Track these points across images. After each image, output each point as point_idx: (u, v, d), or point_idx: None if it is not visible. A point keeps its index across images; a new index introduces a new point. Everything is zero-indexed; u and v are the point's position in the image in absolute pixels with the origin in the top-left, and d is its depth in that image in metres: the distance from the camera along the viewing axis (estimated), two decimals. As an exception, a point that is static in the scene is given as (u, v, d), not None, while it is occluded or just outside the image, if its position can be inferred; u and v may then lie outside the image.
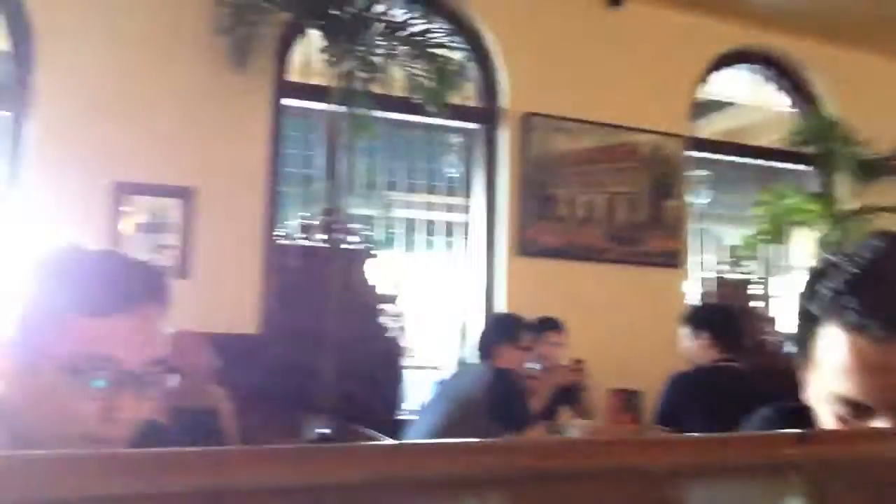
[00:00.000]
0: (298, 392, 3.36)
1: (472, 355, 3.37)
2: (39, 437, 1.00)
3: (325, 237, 3.79)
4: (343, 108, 3.63)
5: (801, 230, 4.78)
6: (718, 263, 4.88)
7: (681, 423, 2.70)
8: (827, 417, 0.86)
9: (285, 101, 3.92)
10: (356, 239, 3.92)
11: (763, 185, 4.93)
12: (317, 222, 3.87)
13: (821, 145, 4.80)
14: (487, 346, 3.13)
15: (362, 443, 0.43)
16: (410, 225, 4.36)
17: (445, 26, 4.12)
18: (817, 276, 0.85)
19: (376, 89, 3.70)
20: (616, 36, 4.51)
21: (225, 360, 2.47)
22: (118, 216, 3.49)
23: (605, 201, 4.43)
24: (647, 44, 4.57)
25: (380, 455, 0.40)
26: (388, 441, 2.84)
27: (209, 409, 2.38)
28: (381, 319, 3.92)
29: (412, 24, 3.76)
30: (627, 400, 3.18)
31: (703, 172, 4.94)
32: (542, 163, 4.31)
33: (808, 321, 0.85)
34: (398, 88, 3.84)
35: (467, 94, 4.32)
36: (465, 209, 4.42)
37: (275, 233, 3.83)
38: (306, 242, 3.86)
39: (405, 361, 3.99)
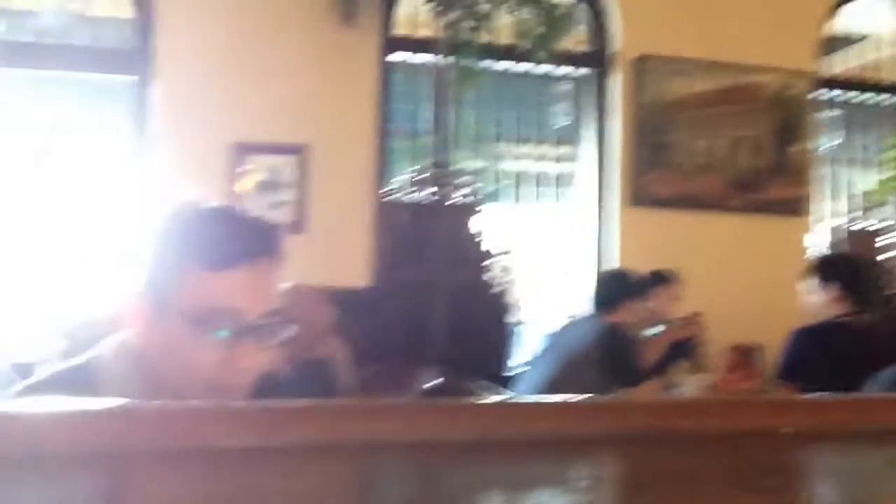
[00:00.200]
0: (410, 344, 3.42)
1: (584, 309, 3.33)
2: (169, 385, 1.05)
3: (434, 191, 3.80)
4: (450, 60, 3.60)
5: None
6: (848, 212, 4.59)
7: (804, 380, 2.57)
8: None
9: (392, 56, 3.92)
10: (464, 192, 3.91)
11: (900, 126, 4.56)
12: (425, 177, 3.88)
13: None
14: (600, 299, 3.07)
15: (472, 400, 0.42)
16: (519, 177, 4.31)
17: (553, -31, 3.98)
18: None
19: (483, 38, 3.64)
20: (736, -31, 4.24)
21: (340, 312, 2.53)
22: (237, 175, 3.62)
23: (725, 147, 4.22)
24: (771, -24, 4.27)
25: (490, 413, 0.39)
26: (499, 396, 2.85)
27: (327, 359, 2.45)
28: (490, 273, 3.91)
29: (518, -31, 3.66)
30: (746, 355, 3.06)
31: (833, 113, 4.62)
32: (657, 108, 4.14)
33: None
34: (505, 36, 3.76)
35: (577, 39, 4.19)
36: (575, 159, 4.32)
37: (384, 188, 3.87)
38: (415, 197, 3.88)
39: (514, 315, 3.98)
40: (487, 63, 3.78)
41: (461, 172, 3.96)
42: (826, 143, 4.61)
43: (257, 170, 3.66)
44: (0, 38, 3.51)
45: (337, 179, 3.72)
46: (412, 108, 4.11)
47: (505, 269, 3.94)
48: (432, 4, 3.57)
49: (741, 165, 4.23)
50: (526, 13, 3.59)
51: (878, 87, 4.74)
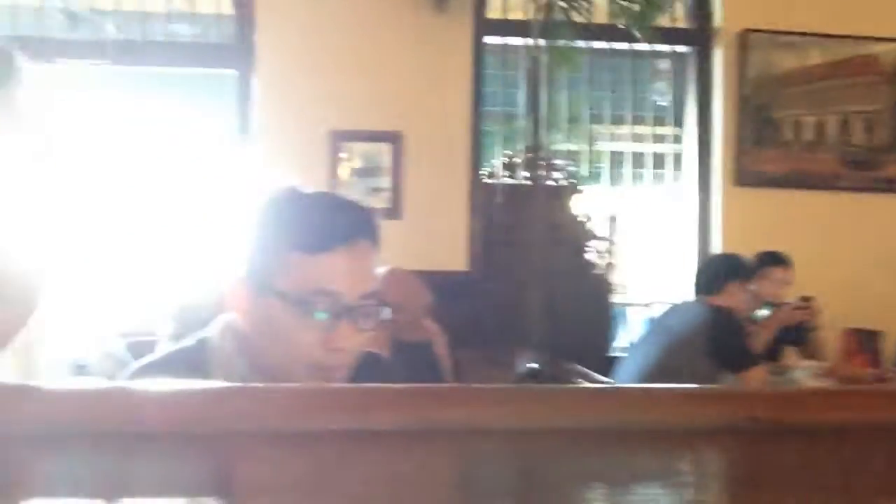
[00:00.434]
0: (508, 328, 3.41)
1: (688, 292, 3.23)
2: (271, 366, 1.08)
3: (529, 174, 3.77)
4: (544, 42, 3.54)
5: None
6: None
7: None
8: None
9: (486, 40, 3.90)
10: (560, 175, 3.86)
11: None
12: (520, 160, 3.86)
13: None
14: (706, 282, 2.97)
15: (571, 386, 0.40)
16: (617, 158, 4.21)
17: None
18: None
19: (578, 18, 3.56)
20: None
21: (436, 296, 2.54)
22: (335, 162, 3.68)
23: (838, 122, 3.99)
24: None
25: (591, 400, 0.37)
26: (598, 383, 2.81)
27: (424, 342, 2.46)
28: (590, 256, 3.85)
29: (614, -56, 3.56)
30: (864, 341, 2.91)
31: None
32: (763, 84, 3.95)
33: None
34: (601, 15, 3.67)
35: (676, 15, 4.04)
36: (676, 139, 4.18)
37: (480, 172, 3.86)
38: (510, 180, 3.86)
39: (615, 298, 3.91)
40: (582, 43, 3.70)
41: (557, 155, 3.90)
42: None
43: (353, 157, 3.72)
44: (111, 38, 3.68)
45: (432, 164, 3.74)
46: (507, 91, 4.08)
47: (604, 252, 3.87)
48: (525, -15, 3.52)
49: (854, 142, 4.00)
50: (622, -11, 3.50)
51: None
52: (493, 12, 3.96)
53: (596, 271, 3.86)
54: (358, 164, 3.73)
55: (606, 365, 3.39)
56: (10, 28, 3.62)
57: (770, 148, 3.96)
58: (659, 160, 4.21)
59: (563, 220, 3.80)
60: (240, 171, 3.69)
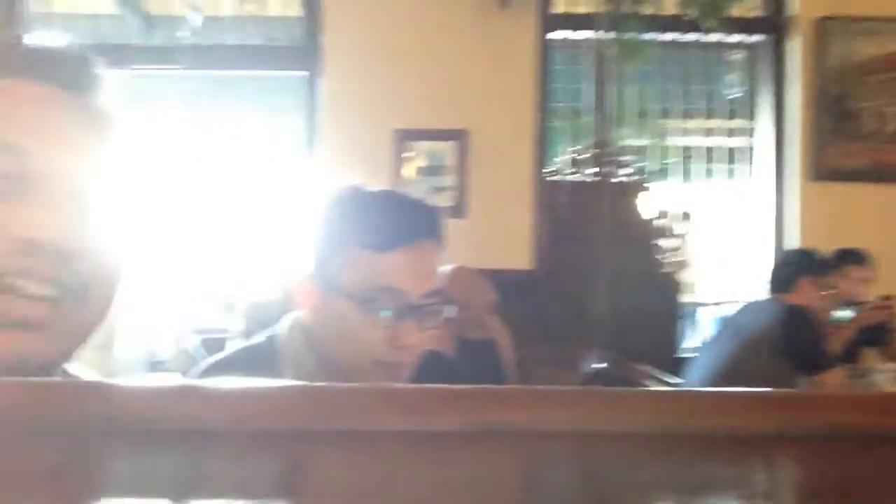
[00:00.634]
0: (573, 327, 3.37)
1: (762, 291, 3.14)
2: (337, 362, 1.09)
3: (597, 171, 3.72)
4: (611, 35, 3.49)
5: None
6: None
7: None
8: None
9: (551, 35, 3.86)
10: (628, 171, 3.80)
11: None
12: (587, 156, 3.81)
13: None
14: (782, 280, 2.87)
15: (640, 388, 0.39)
16: (688, 153, 4.11)
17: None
18: None
19: (646, 10, 3.49)
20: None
21: (501, 294, 2.53)
22: (400, 161, 3.71)
23: (922, 113, 3.81)
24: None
25: (660, 403, 0.35)
26: (667, 384, 2.75)
27: (488, 341, 2.46)
28: (659, 254, 3.78)
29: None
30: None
31: None
32: (842, 73, 3.80)
33: None
34: (670, 6, 3.59)
35: (749, 4, 3.92)
36: (749, 132, 4.06)
37: (545, 169, 3.83)
38: (577, 177, 3.82)
39: (685, 297, 3.82)
40: (651, 35, 3.63)
41: (625, 150, 3.84)
42: None
43: (418, 156, 3.74)
44: (185, 43, 3.79)
45: (497, 162, 3.72)
46: (573, 86, 4.03)
47: (675, 250, 3.79)
48: (591, -22, 3.48)
49: (942, 133, 3.81)
50: (692, -20, 3.42)
51: None
52: (558, 6, 3.92)
53: (665, 270, 3.78)
54: (423, 162, 3.75)
55: (675, 365, 3.32)
56: (91, 36, 3.76)
57: (849, 140, 3.81)
58: (731, 155, 4.10)
59: (631, 217, 3.74)
60: (307, 170, 3.76)
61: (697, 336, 3.88)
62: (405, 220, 1.09)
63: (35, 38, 0.66)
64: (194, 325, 3.65)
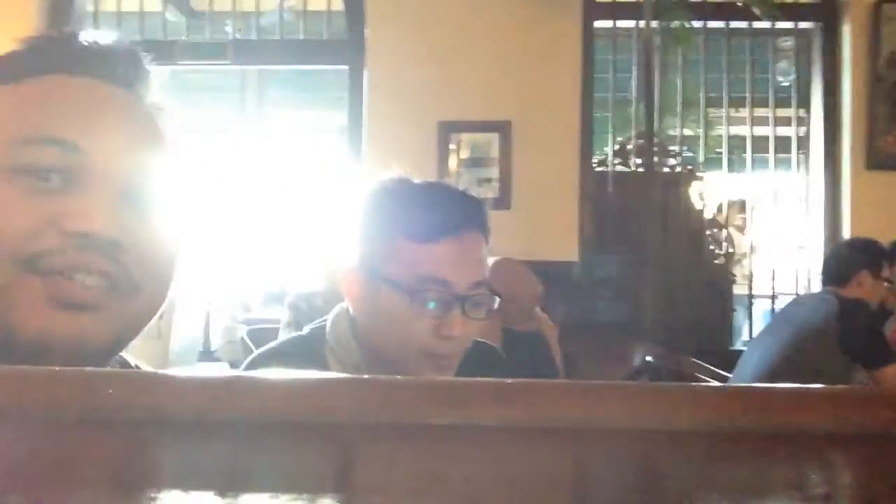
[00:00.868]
0: (620, 319, 3.34)
1: (815, 283, 3.06)
2: (384, 353, 1.09)
3: (642, 161, 3.67)
4: (657, 23, 3.43)
5: None
6: None
7: None
8: None
9: (596, 24, 3.81)
10: (675, 161, 3.73)
11: None
12: (633, 146, 3.76)
13: None
14: (837, 272, 2.79)
15: (693, 384, 0.38)
16: (737, 142, 4.03)
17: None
18: None
19: (692, -3, 3.43)
20: None
21: (547, 286, 2.51)
22: (444, 153, 3.71)
23: (985, 98, 3.68)
24: None
25: (713, 399, 0.34)
26: (717, 378, 2.70)
27: (535, 332, 2.45)
28: (708, 245, 3.71)
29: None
30: None
31: None
32: (898, 59, 3.69)
33: None
34: (718, -7, 3.52)
35: (800, -11, 3.83)
36: (801, 121, 3.96)
37: (590, 160, 3.79)
38: (623, 168, 3.77)
39: (736, 289, 3.76)
40: (698, 23, 3.56)
41: (671, 140, 3.78)
42: None
43: (462, 148, 3.73)
44: (229, 38, 3.84)
45: (541, 153, 3.70)
46: (618, 75, 3.98)
47: (725, 241, 3.72)
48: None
49: None
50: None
51: None
52: (603, -5, 3.87)
53: (715, 261, 3.71)
54: (466, 154, 3.74)
55: (726, 359, 3.26)
56: (138, 33, 3.83)
57: (906, 128, 3.70)
58: (783, 144, 4.00)
59: (679, 208, 3.68)
60: (352, 163, 3.78)
61: (749, 329, 3.81)
62: (450, 211, 1.09)
63: (86, 35, 0.67)
64: (243, 315, 3.71)
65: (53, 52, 0.65)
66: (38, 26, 3.55)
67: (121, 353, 0.67)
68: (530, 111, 3.70)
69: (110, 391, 0.34)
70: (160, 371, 0.37)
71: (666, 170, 3.69)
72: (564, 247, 3.69)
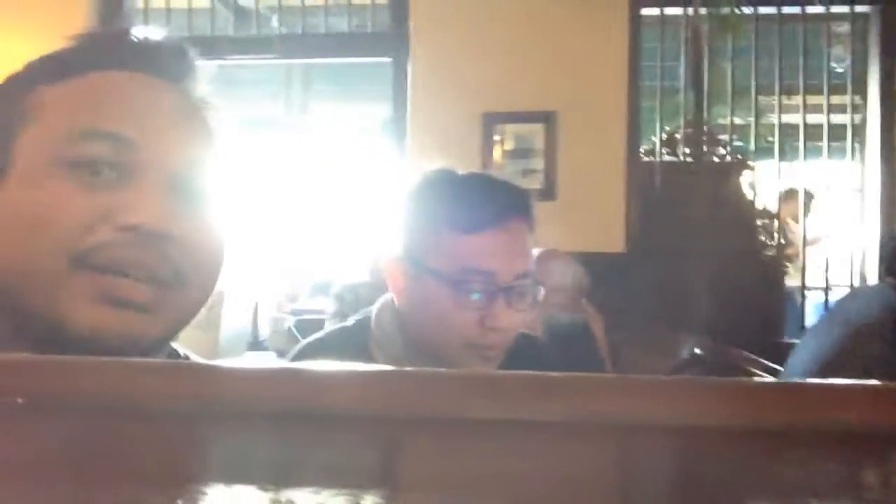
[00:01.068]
0: (668, 311, 3.29)
1: (870, 275, 2.98)
2: (428, 344, 1.10)
3: (691, 151, 3.60)
4: (705, 9, 3.36)
5: None
6: None
7: None
8: None
9: (642, 11, 3.75)
10: (725, 151, 3.66)
11: None
12: (681, 136, 3.70)
13: None
14: (893, 264, 2.71)
15: (746, 380, 0.36)
16: (789, 131, 3.93)
17: None
18: None
19: (743, -18, 3.35)
20: None
21: (593, 278, 2.49)
22: (488, 145, 3.69)
23: None
24: None
25: (765, 396, 0.33)
26: (767, 372, 2.65)
27: (581, 324, 2.43)
28: (759, 236, 3.64)
29: None
30: None
31: None
32: (961, 41, 3.55)
33: None
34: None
35: (857, -29, 3.71)
36: (856, 108, 3.84)
37: (637, 150, 3.74)
38: (671, 158, 3.71)
39: (788, 281, 3.67)
40: (748, 8, 3.48)
41: (720, 129, 3.70)
42: None
43: (507, 139, 3.71)
44: (275, 33, 3.88)
45: (587, 143, 3.66)
46: (666, 64, 3.91)
47: (777, 232, 3.64)
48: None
49: None
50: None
51: None
52: (650, -18, 3.81)
53: (767, 252, 3.63)
54: (511, 145, 3.72)
55: (777, 352, 3.19)
56: (185, 28, 3.90)
57: (969, 114, 3.56)
58: (837, 132, 3.89)
59: (730, 198, 3.61)
60: (396, 155, 3.79)
61: (802, 322, 3.72)
62: (494, 202, 1.09)
63: (136, 31, 0.68)
64: (290, 306, 3.76)
65: (104, 49, 0.66)
66: (89, 24, 3.63)
67: (170, 343, 0.68)
68: (576, 101, 3.66)
69: (156, 382, 0.34)
70: (209, 362, 0.38)
71: (715, 159, 3.61)
72: (611, 238, 3.65)
